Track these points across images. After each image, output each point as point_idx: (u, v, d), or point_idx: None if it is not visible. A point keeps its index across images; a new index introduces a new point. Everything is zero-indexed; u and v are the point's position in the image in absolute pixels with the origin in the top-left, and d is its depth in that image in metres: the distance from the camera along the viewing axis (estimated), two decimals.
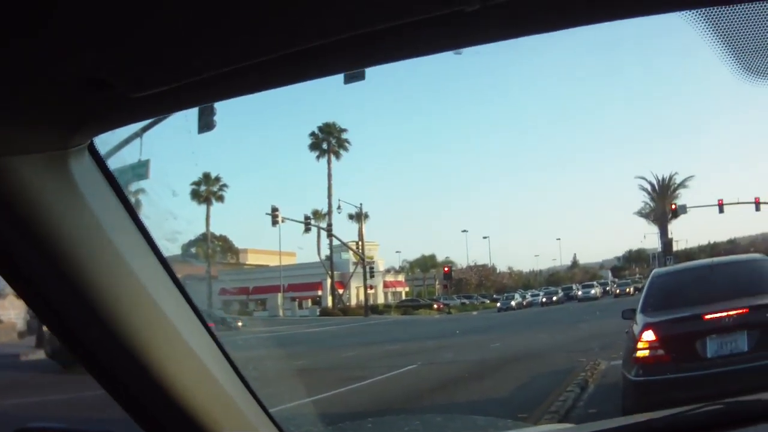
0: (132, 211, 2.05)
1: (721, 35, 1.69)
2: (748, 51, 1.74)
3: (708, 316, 10.24)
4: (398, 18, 1.45)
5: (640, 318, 11.15)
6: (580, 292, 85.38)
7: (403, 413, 13.77)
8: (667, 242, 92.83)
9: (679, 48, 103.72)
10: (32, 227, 1.75)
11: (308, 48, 1.53)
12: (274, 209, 69.87)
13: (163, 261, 2.17)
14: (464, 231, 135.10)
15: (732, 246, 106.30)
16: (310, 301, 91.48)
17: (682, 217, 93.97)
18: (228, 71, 1.60)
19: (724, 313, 10.18)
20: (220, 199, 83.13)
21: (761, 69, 1.79)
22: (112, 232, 1.94)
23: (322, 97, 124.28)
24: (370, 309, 79.89)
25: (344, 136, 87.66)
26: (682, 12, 1.60)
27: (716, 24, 1.66)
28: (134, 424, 2.31)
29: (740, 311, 10.24)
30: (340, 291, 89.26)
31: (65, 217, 1.80)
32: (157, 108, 1.91)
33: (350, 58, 1.73)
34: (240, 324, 49.59)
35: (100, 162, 1.96)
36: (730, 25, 1.66)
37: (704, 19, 1.63)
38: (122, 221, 2.03)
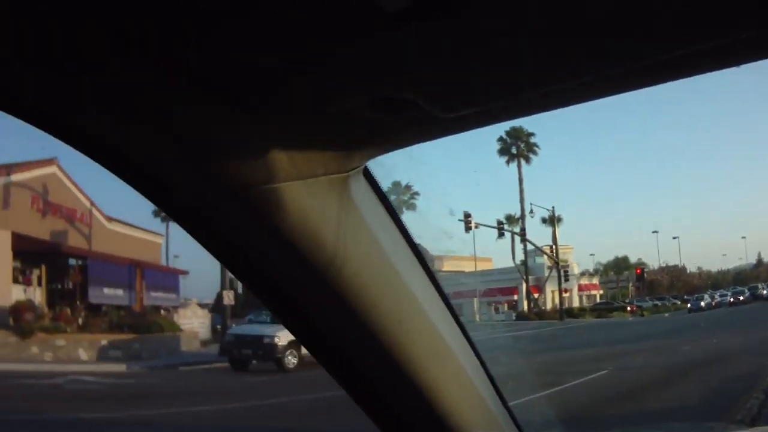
0: (403, 229, 2.07)
1: None
2: None
3: None
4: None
5: None
6: (765, 291, 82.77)
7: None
8: None
9: None
10: (313, 247, 1.76)
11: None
12: (467, 215, 69.83)
13: (429, 272, 2.16)
14: (655, 232, 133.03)
15: None
16: (506, 306, 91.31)
17: None
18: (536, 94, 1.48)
19: None
20: (412, 207, 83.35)
21: None
22: (385, 247, 1.95)
23: None
24: (564, 312, 79.21)
25: (532, 140, 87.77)
26: None
27: None
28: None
29: None
30: (536, 295, 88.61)
31: (346, 236, 1.80)
32: (459, 126, 1.69)
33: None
34: None
35: (373, 183, 1.95)
36: None
37: None
38: (395, 238, 2.05)
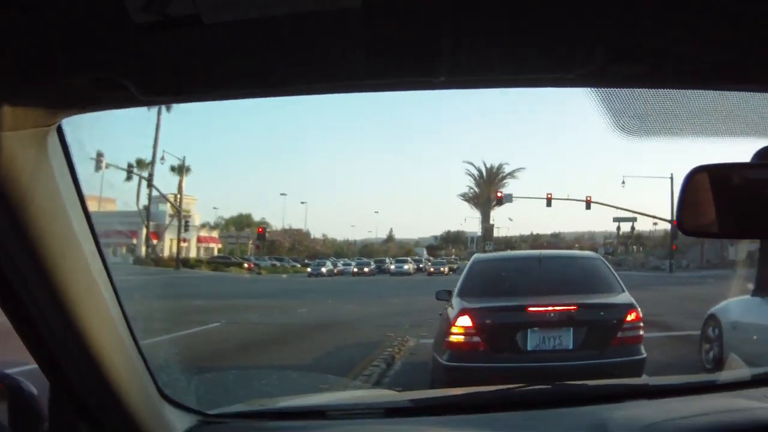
0: (79, 187, 2.20)
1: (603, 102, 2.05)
2: (622, 114, 2.14)
3: (532, 309, 10.24)
4: None
5: (456, 302, 10.92)
6: (393, 267, 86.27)
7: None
8: (488, 228, 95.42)
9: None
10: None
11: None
12: (99, 154, 68.00)
13: (95, 233, 2.33)
14: (283, 194, 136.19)
15: (556, 240, 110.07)
16: (124, 249, 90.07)
17: (507, 205, 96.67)
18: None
19: (550, 308, 10.21)
20: None
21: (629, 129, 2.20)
22: (65, 206, 2.11)
23: None
24: (181, 262, 79.33)
25: None
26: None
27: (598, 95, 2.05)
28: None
29: (568, 308, 10.28)
30: (155, 241, 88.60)
31: (30, 191, 1.93)
32: (152, 103, 2.13)
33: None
34: None
35: (63, 141, 2.10)
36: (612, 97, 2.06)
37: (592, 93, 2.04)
38: (74, 196, 2.18)
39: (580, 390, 3.65)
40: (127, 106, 2.03)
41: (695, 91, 2.08)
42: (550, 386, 3.54)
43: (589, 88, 1.99)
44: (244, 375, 10.80)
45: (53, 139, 2.01)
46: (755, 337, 12.45)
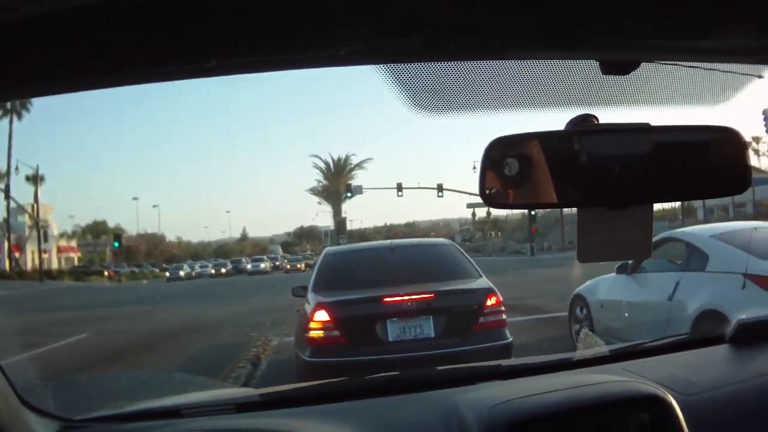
0: None
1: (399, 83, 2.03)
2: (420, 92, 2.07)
3: (388, 299, 10.20)
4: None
5: (312, 297, 10.89)
6: (249, 266, 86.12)
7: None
8: (340, 221, 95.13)
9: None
10: None
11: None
12: None
13: None
14: (135, 198, 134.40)
15: (410, 229, 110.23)
16: None
17: (358, 197, 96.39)
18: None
19: (407, 297, 10.19)
20: None
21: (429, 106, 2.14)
22: None
23: None
24: (44, 274, 77.54)
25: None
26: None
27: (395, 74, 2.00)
28: None
29: (425, 296, 10.28)
30: (17, 254, 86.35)
31: None
32: None
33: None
34: None
35: None
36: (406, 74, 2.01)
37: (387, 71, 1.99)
38: None
39: (430, 375, 3.76)
40: None
41: (492, 62, 2.07)
42: (398, 373, 3.73)
43: (371, 66, 1.98)
44: (111, 380, 10.87)
45: None
46: (626, 314, 12.76)
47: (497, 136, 2.18)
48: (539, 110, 2.28)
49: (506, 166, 2.13)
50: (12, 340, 17.53)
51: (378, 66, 1.98)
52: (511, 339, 10.39)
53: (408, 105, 2.09)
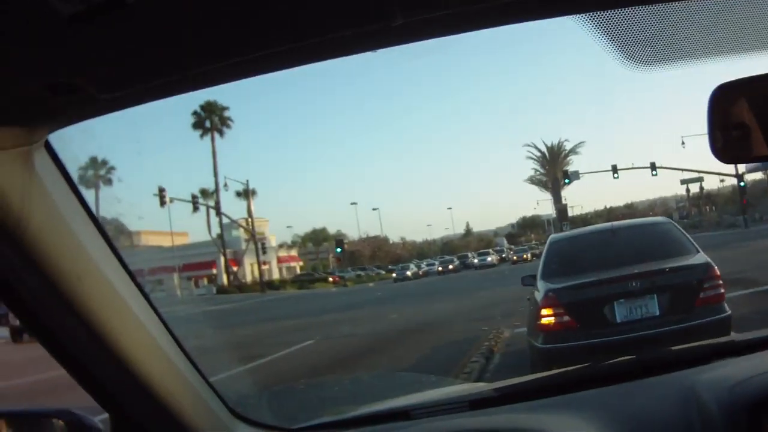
0: (86, 206, 2.16)
1: (608, 33, 1.80)
2: (633, 43, 1.84)
3: (614, 281, 10.29)
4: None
5: (541, 284, 11.08)
6: (476, 260, 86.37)
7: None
8: (561, 208, 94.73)
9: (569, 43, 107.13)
10: None
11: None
12: (161, 189, 69.37)
13: (116, 251, 2.28)
14: (353, 203, 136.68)
15: (630, 210, 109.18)
16: (205, 280, 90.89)
17: (575, 183, 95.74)
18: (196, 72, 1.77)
19: (631, 277, 10.25)
20: (108, 182, 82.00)
21: (644, 58, 1.90)
22: (70, 226, 2.05)
23: None
24: (266, 284, 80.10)
25: (226, 114, 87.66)
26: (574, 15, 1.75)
27: (603, 24, 1.78)
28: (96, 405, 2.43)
29: (649, 275, 10.30)
30: (235, 268, 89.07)
31: (25, 212, 1.87)
32: (120, 104, 1.92)
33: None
34: None
35: (56, 158, 2.04)
36: (616, 23, 1.78)
37: (592, 21, 1.77)
38: (79, 216, 2.13)
39: (664, 356, 3.55)
40: (94, 112, 1.91)
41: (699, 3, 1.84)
42: (634, 357, 3.48)
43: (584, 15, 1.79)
44: (332, 385, 11.14)
45: (41, 157, 1.96)
46: None
47: (721, 82, 2.04)
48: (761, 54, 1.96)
49: (735, 115, 2.00)
50: (230, 353, 18.03)
51: (585, 15, 1.77)
52: (729, 312, 10.32)
53: (619, 57, 1.88)
